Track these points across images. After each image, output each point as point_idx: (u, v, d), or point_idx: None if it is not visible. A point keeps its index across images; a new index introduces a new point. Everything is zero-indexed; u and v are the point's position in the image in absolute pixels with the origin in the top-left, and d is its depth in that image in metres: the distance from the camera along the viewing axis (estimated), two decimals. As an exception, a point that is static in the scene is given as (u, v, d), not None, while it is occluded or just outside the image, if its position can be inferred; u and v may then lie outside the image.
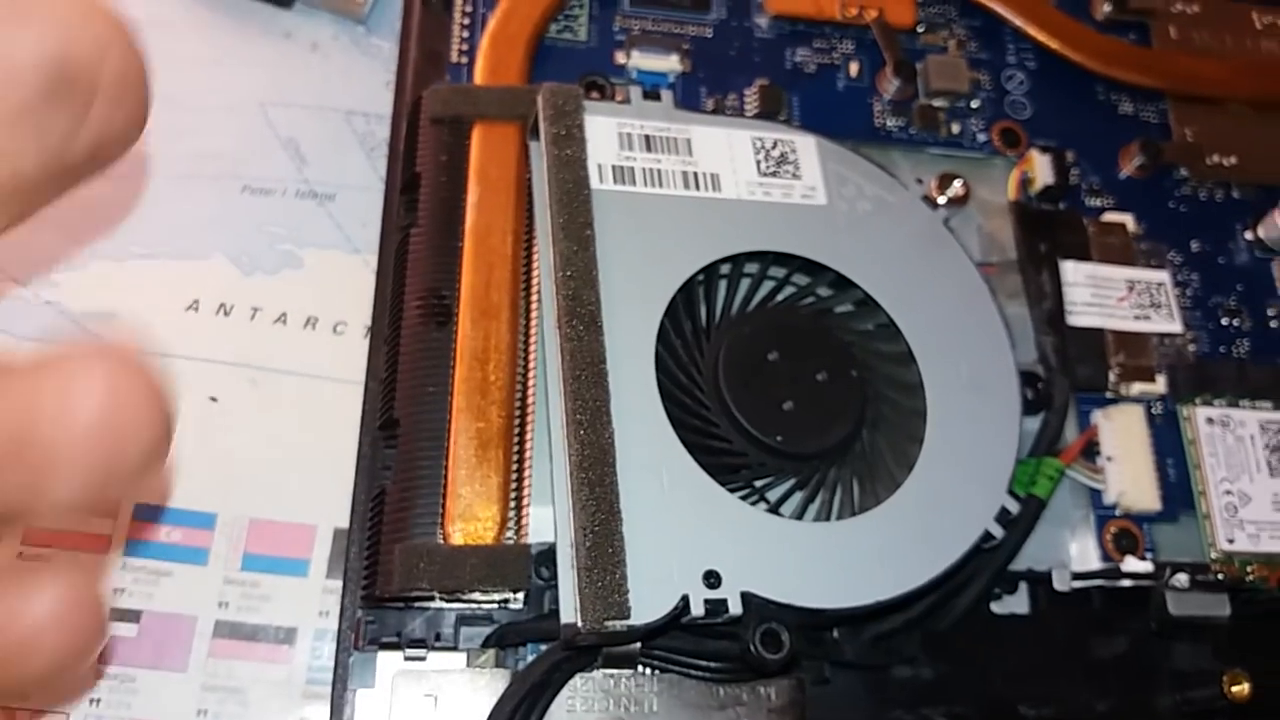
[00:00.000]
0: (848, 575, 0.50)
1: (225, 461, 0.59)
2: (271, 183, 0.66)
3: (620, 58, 0.65)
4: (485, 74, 0.61)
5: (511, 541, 0.51)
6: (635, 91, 0.59)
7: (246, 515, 0.58)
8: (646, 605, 0.46)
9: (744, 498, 0.53)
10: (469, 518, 0.51)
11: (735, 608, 0.47)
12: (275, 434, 0.60)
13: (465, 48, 0.64)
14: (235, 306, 0.63)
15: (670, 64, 0.65)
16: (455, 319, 0.54)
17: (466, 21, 0.65)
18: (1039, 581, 0.57)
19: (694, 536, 0.48)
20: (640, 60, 0.65)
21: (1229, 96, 0.71)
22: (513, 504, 0.52)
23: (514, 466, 0.52)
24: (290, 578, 0.58)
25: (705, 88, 0.66)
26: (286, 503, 0.59)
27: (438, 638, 0.51)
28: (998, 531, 0.53)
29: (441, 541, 0.50)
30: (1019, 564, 0.57)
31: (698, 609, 0.47)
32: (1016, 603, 0.58)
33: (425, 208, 0.57)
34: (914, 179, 0.65)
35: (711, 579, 0.48)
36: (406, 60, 0.65)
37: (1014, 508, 0.53)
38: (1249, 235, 0.69)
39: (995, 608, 0.58)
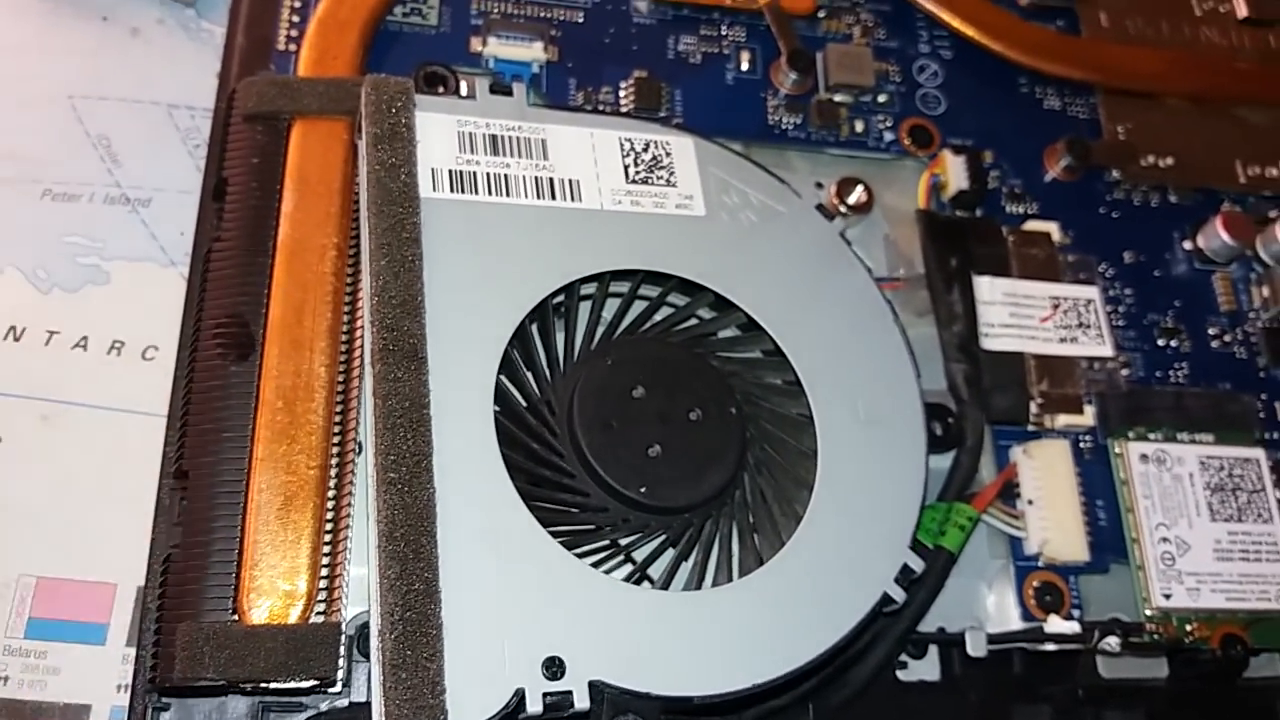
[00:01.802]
0: (720, 654, 0.42)
1: (9, 510, 0.50)
2: (77, 186, 0.57)
3: (476, 45, 0.57)
4: (310, 64, 0.53)
5: (321, 620, 0.43)
6: (482, 85, 0.51)
7: (33, 573, 0.50)
8: (471, 703, 0.38)
9: (605, 559, 0.45)
10: (268, 591, 0.42)
11: (582, 701, 0.40)
12: (70, 478, 0.51)
13: (295, 34, 0.55)
14: (27, 329, 0.54)
15: (534, 52, 0.57)
16: (260, 351, 0.46)
17: (298, 4, 0.56)
18: (952, 644, 0.50)
19: (532, 616, 0.40)
20: (499, 48, 0.57)
21: (1166, 90, 0.64)
22: (325, 572, 0.43)
23: (327, 527, 0.44)
24: (84, 646, 0.49)
25: (574, 79, 0.58)
26: (82, 558, 0.50)
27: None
28: (899, 595, 0.45)
29: (235, 620, 0.42)
30: (928, 624, 0.50)
31: (535, 705, 0.39)
32: (926, 668, 0.51)
33: (231, 218, 0.49)
34: (813, 184, 0.58)
35: (553, 667, 0.40)
36: (232, 48, 0.56)
37: (918, 565, 0.46)
38: (1187, 245, 0.62)
39: (901, 675, 0.50)
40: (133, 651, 0.48)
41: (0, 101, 0.58)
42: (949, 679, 0.51)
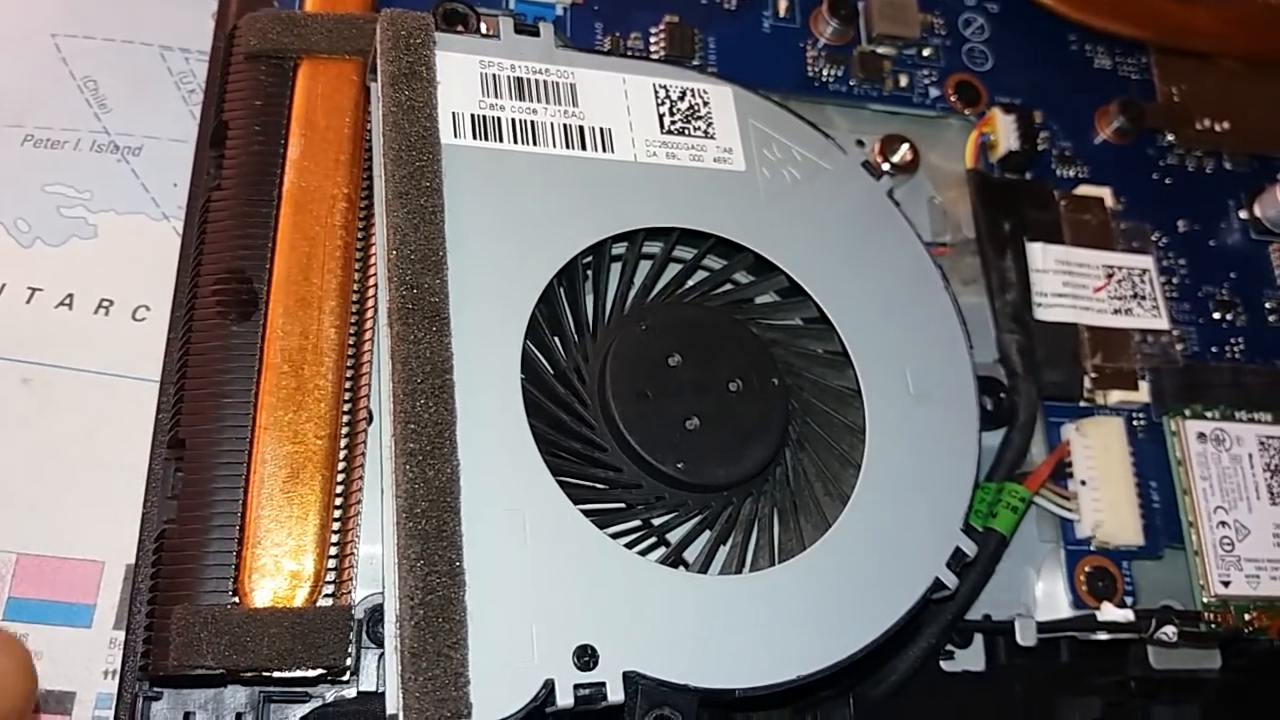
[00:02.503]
0: (764, 643, 0.39)
1: (-16, 482, 0.46)
2: (61, 132, 0.53)
3: (497, -17, 0.53)
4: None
5: (329, 602, 0.39)
6: (506, 23, 0.47)
7: (13, 550, 0.46)
8: (496, 696, 0.35)
9: (637, 540, 0.42)
10: (272, 571, 0.39)
11: (616, 693, 0.36)
12: (53, 447, 0.48)
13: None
14: (7, 286, 0.50)
15: (558, -8, 0.53)
16: (263, 310, 0.42)
17: (302, -66, 0.52)
18: (998, 633, 0.47)
19: (563, 601, 0.37)
20: (521, -13, 0.53)
21: (1222, 51, 0.61)
22: (334, 551, 0.40)
23: (336, 502, 0.41)
24: (68, 628, 0.46)
25: (601, 23, 0.54)
26: (66, 534, 0.47)
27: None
28: (950, 580, 0.42)
29: (236, 603, 0.38)
30: (974, 611, 0.47)
31: (566, 698, 0.36)
32: (970, 658, 0.47)
33: (232, 165, 0.45)
34: (853, 140, 0.54)
35: (585, 656, 0.36)
36: (230, -17, 0.52)
37: (970, 549, 0.43)
38: (1244, 214, 0.59)
39: (945, 665, 0.47)
40: (121, 635, 0.45)
41: (-24, 38, 0.54)
42: (994, 669, 0.47)
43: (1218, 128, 0.59)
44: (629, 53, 0.53)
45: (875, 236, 0.48)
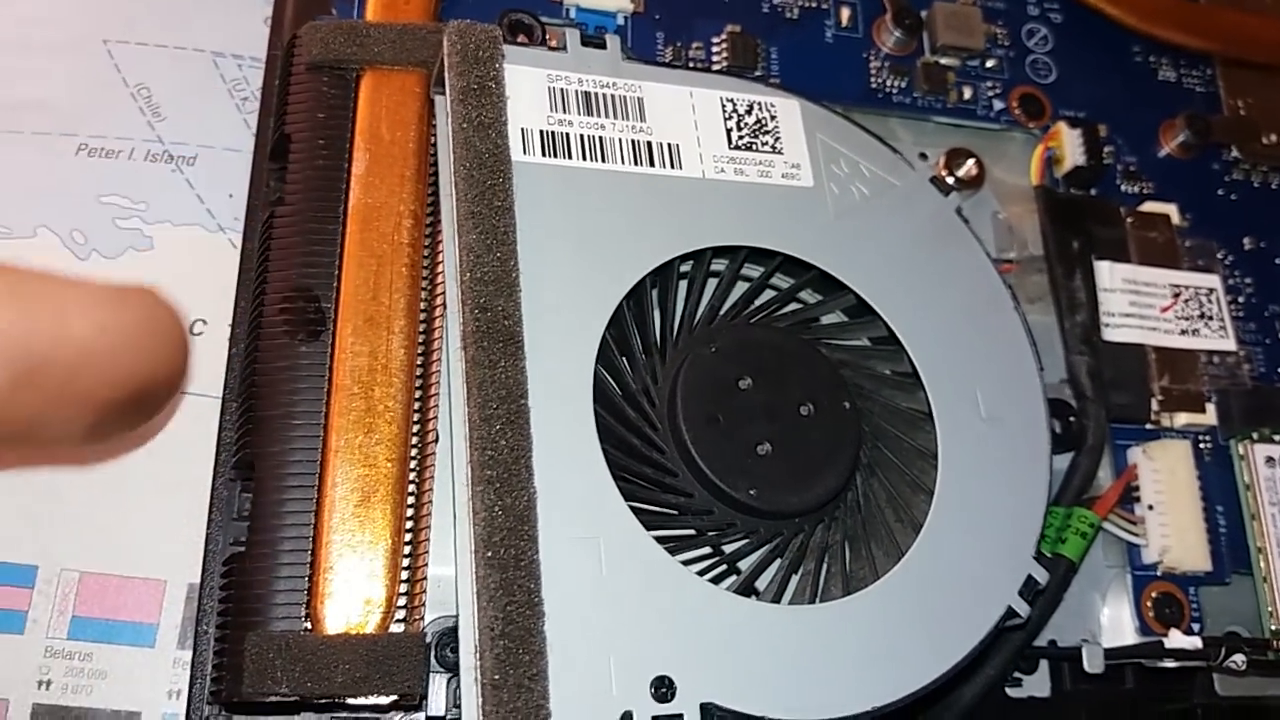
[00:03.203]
0: (840, 674, 0.38)
1: (48, 498, 0.46)
2: (115, 141, 0.52)
3: (557, -9, 0.52)
4: (379, 8, 0.48)
5: (401, 629, 0.39)
6: (573, 36, 0.46)
7: (76, 568, 0.45)
8: (575, 728, 0.35)
9: (708, 568, 0.41)
10: (345, 597, 0.38)
11: (693, 726, 0.36)
12: (113, 464, 0.47)
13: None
14: (64, 299, 0.49)
15: (619, 2, 0.52)
16: (332, 329, 0.42)
17: (361, -58, 0.51)
18: (1065, 659, 0.47)
19: (640, 631, 0.37)
20: (581, -4, 0.52)
21: (1289, 63, 0.60)
22: (405, 576, 0.39)
23: (407, 526, 0.40)
24: (132, 648, 0.45)
25: (663, 33, 0.53)
26: (128, 552, 0.46)
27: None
28: (1023, 609, 0.42)
29: (308, 629, 0.38)
30: (1040, 638, 0.47)
31: (642, 730, 0.35)
32: (1036, 684, 0.47)
33: (295, 180, 0.44)
34: (917, 154, 0.53)
35: (663, 688, 0.36)
36: (287, -11, 0.51)
37: (1042, 577, 0.42)
38: (1313, 230, 0.58)
39: (1011, 692, 0.47)
40: (185, 655, 0.45)
41: (28, 46, 0.53)
42: (1059, 695, 0.47)
43: (1285, 143, 0.58)
44: (691, 63, 0.53)
45: (944, 254, 0.48)
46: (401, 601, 0.39)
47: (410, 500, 0.41)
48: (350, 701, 0.38)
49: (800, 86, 0.51)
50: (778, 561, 0.42)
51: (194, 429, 0.47)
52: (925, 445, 0.44)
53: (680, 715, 0.36)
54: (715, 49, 0.53)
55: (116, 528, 0.46)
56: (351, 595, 0.38)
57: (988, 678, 0.44)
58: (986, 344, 0.46)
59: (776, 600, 0.41)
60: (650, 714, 0.36)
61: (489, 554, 0.35)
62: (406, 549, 0.40)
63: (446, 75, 0.42)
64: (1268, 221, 0.57)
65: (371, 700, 0.38)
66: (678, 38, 0.53)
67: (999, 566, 0.42)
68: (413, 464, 0.41)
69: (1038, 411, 0.46)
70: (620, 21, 0.53)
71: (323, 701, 0.38)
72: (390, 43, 0.46)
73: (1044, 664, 0.47)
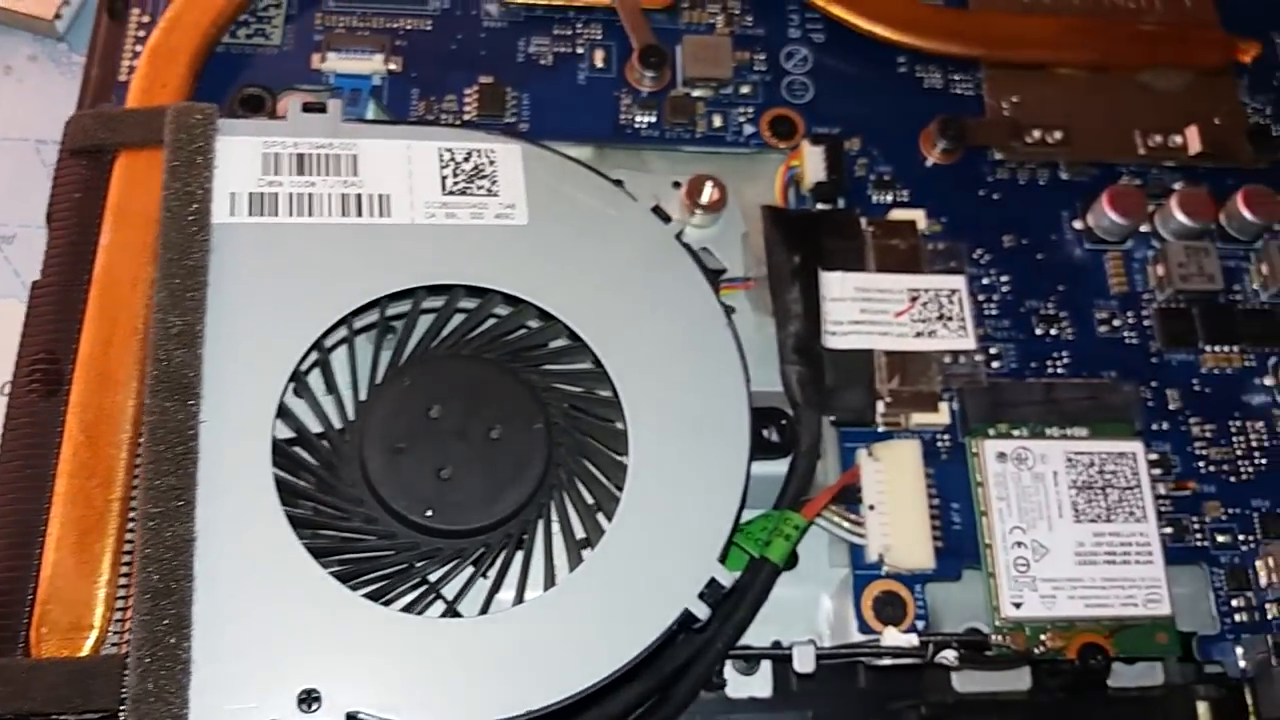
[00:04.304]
0: (489, 682, 0.41)
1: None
2: (-58, 225, 0.59)
3: (317, 61, 0.56)
4: (139, 94, 0.53)
5: (113, 651, 0.43)
6: (295, 104, 0.50)
7: None
8: (219, 736, 0.39)
9: (412, 588, 0.45)
10: (58, 625, 0.43)
11: (338, 732, 0.39)
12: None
13: (134, 64, 0.56)
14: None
15: (374, 65, 0.56)
16: (67, 386, 0.47)
17: (142, 33, 0.57)
18: (782, 659, 0.48)
19: (289, 647, 0.40)
20: (338, 63, 0.56)
21: (1059, 61, 0.60)
22: (120, 604, 0.44)
23: (124, 559, 0.45)
24: None
25: (418, 89, 0.57)
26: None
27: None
28: (702, 611, 0.44)
29: (22, 654, 0.43)
30: (764, 638, 0.48)
31: (287, 737, 0.39)
32: (757, 684, 0.49)
33: (53, 256, 0.50)
34: (670, 184, 0.56)
35: (308, 699, 0.40)
36: (87, 80, 0.57)
37: (727, 579, 0.44)
38: (1077, 224, 0.58)
39: (730, 692, 0.49)
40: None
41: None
42: (785, 695, 0.49)
43: (1050, 138, 0.58)
44: (443, 116, 0.56)
45: (658, 280, 0.50)
46: (115, 628, 0.44)
47: (130, 536, 0.45)
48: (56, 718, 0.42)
49: (551, 129, 0.55)
50: (474, 576, 0.45)
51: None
52: (622, 461, 0.47)
53: (325, 723, 0.39)
54: (467, 101, 0.57)
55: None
56: (62, 623, 0.43)
57: (692, 681, 0.46)
58: (693, 361, 0.48)
59: (455, 614, 0.44)
60: (295, 723, 0.39)
61: (142, 580, 0.40)
62: (124, 580, 0.44)
63: (164, 152, 0.47)
64: (1030, 218, 0.57)
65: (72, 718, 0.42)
66: (431, 92, 0.57)
67: (679, 571, 0.44)
68: (133, 505, 0.46)
69: (739, 420, 0.48)
70: (377, 82, 0.57)
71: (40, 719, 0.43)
72: (139, 126, 0.51)
73: (766, 665, 0.49)
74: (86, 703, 0.42)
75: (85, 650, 0.43)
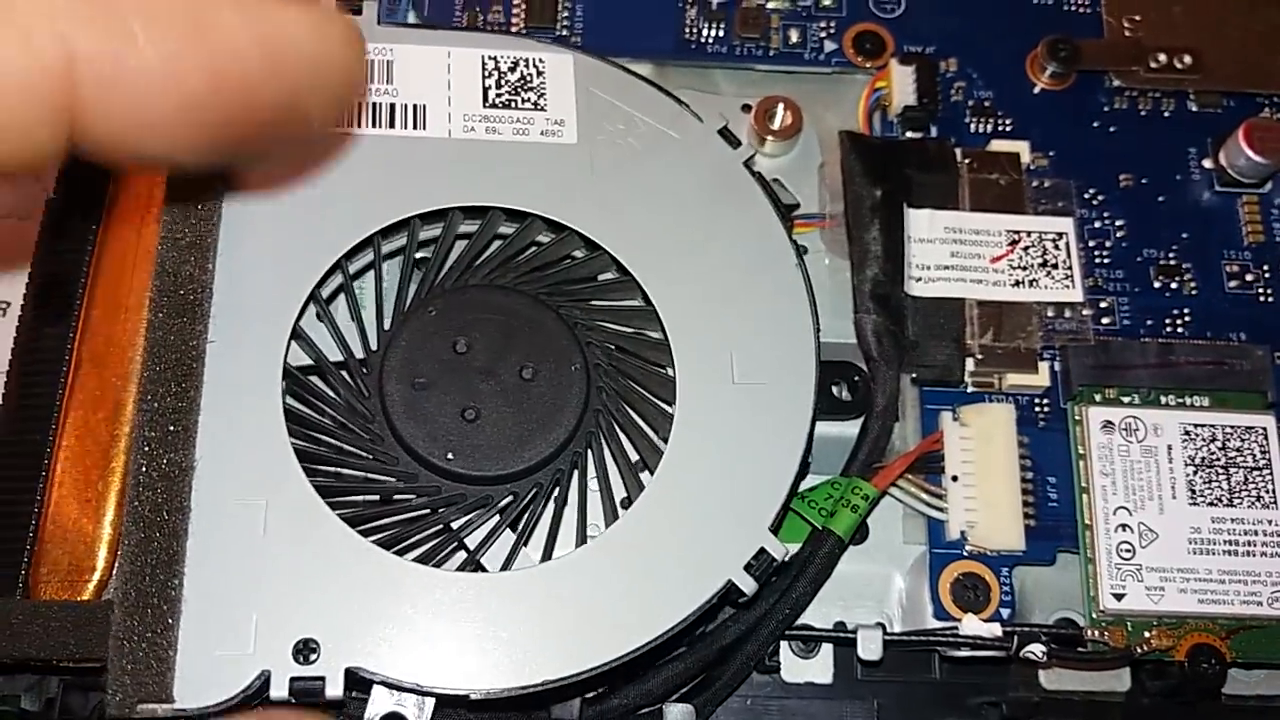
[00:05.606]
0: (505, 648, 0.37)
1: None
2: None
3: (351, -40, 0.52)
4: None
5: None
6: (329, 3, 0.46)
7: None
8: (209, 683, 0.35)
9: (432, 535, 0.41)
10: (59, 566, 0.40)
11: (335, 688, 0.35)
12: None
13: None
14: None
15: (417, -34, 0.52)
16: (77, 311, 0.43)
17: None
18: (846, 644, 0.43)
19: (291, 594, 0.36)
20: (378, -37, 0.51)
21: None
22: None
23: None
24: None
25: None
26: None
27: (49, 706, 0.41)
28: (749, 585, 0.38)
29: (21, 594, 0.40)
30: (826, 619, 0.43)
31: (280, 690, 0.35)
32: (817, 670, 0.43)
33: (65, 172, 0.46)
34: (739, 106, 0.50)
35: (306, 650, 0.36)
36: None
37: (779, 551, 0.39)
38: (1207, 163, 0.50)
39: (787, 676, 0.43)
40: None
41: None
42: (845, 683, 0.43)
43: (1177, 64, 0.51)
44: (489, 27, 0.51)
45: (721, 212, 0.45)
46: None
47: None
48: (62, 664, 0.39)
49: (606, 43, 0.50)
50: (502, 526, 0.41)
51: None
52: (666, 412, 0.42)
53: (322, 678, 0.35)
54: (515, 10, 0.52)
55: None
56: (65, 563, 0.40)
57: (740, 660, 0.41)
58: (756, 304, 0.43)
59: (478, 567, 0.39)
60: (290, 675, 0.35)
61: (133, 511, 0.36)
62: (129, 517, 0.41)
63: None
64: (1151, 154, 0.50)
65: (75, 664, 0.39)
66: (476, 3, 0.52)
67: (725, 537, 0.39)
68: (138, 430, 0.42)
69: (805, 374, 0.42)
70: (415, -10, 0.52)
71: (38, 664, 0.40)
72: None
73: (828, 648, 0.43)
74: (83, 649, 0.38)
75: (87, 594, 0.40)
